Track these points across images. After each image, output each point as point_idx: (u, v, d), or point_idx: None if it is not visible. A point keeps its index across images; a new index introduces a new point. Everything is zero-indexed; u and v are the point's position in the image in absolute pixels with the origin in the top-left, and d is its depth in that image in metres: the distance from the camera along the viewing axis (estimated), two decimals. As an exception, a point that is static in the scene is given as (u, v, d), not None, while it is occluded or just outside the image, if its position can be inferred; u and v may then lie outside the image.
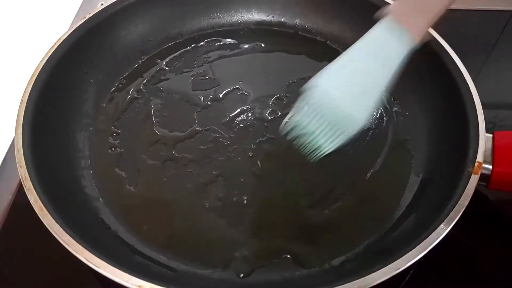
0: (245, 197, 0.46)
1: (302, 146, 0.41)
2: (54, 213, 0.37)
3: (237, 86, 0.55)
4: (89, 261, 0.35)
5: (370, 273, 0.34)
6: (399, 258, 0.35)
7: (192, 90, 0.55)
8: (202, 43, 0.60)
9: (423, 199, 0.44)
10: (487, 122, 0.43)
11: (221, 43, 0.61)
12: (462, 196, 0.39)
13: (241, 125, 0.52)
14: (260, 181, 0.47)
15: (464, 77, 0.46)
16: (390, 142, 0.50)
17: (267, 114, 0.53)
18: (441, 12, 0.42)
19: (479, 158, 0.41)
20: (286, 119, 0.41)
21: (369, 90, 0.41)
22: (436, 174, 0.46)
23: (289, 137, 0.41)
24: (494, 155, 0.42)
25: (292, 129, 0.41)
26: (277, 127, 0.51)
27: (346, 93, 0.41)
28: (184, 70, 0.57)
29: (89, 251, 0.35)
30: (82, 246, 0.35)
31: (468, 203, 0.38)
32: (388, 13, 0.43)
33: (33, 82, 0.46)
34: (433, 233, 0.36)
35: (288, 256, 0.42)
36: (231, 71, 0.57)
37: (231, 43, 0.61)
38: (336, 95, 0.40)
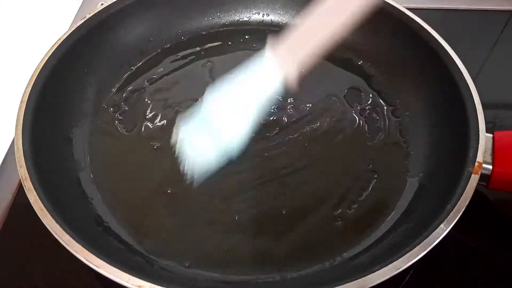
0: (245, 197, 0.46)
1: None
2: (54, 213, 0.37)
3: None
4: (89, 261, 0.35)
5: (370, 273, 0.34)
6: (399, 258, 0.35)
7: (192, 90, 0.55)
8: (202, 43, 0.60)
9: (423, 199, 0.44)
10: (487, 122, 0.43)
11: (221, 43, 0.61)
12: (462, 196, 0.38)
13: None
14: (260, 181, 0.47)
15: (464, 77, 0.46)
16: (389, 142, 0.50)
17: (267, 116, 0.53)
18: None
19: (479, 158, 0.41)
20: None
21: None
22: (436, 174, 0.46)
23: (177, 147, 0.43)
24: (494, 155, 0.42)
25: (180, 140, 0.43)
26: (277, 128, 0.51)
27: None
28: (184, 70, 0.57)
29: (89, 251, 0.35)
30: (82, 246, 0.35)
31: (468, 203, 0.38)
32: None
33: (33, 82, 0.46)
34: (433, 233, 0.36)
35: (289, 254, 0.42)
36: (231, 71, 0.57)
37: (230, 44, 0.61)
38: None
